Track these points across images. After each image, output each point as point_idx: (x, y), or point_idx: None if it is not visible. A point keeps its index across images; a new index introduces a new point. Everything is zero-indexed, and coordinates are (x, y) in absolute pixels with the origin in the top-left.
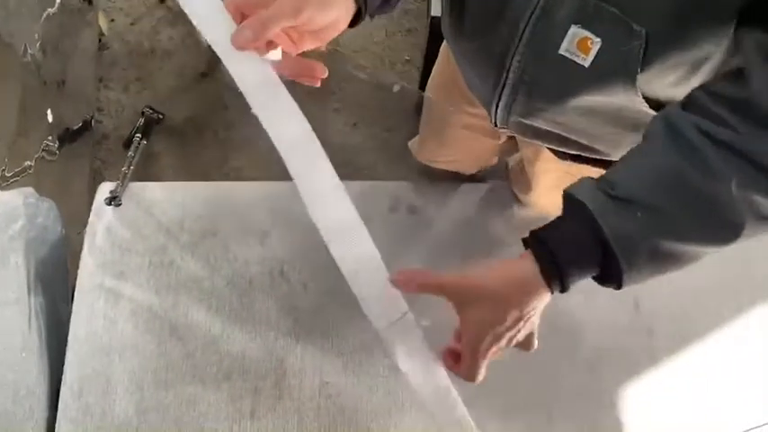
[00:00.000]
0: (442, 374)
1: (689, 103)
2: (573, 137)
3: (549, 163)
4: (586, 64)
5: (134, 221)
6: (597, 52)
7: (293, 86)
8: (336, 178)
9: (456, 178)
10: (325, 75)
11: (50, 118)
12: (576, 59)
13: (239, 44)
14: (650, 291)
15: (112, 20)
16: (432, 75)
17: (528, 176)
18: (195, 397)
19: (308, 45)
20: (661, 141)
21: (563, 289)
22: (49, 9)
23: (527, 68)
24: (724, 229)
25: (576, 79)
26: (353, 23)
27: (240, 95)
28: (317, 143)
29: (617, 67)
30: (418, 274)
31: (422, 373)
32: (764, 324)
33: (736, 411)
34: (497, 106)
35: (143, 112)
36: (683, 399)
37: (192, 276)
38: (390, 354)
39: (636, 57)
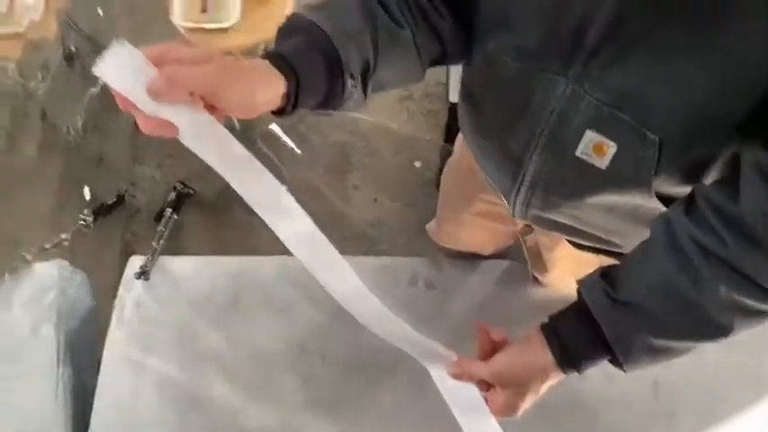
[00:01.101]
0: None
1: (690, 207)
2: (590, 230)
3: (565, 250)
4: (603, 166)
5: (162, 295)
6: (613, 156)
7: (316, 162)
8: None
9: (474, 256)
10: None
11: (87, 195)
12: (592, 162)
13: (152, 93)
14: (670, 370)
15: None
16: (448, 163)
17: (544, 260)
18: None
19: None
20: (660, 248)
21: (579, 372)
22: (92, 89)
23: (545, 167)
24: (713, 330)
25: (592, 180)
26: (281, 113)
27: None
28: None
29: (632, 171)
30: (473, 365)
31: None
32: None
33: None
34: (516, 200)
35: (175, 188)
36: None
37: (216, 350)
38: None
39: (650, 162)
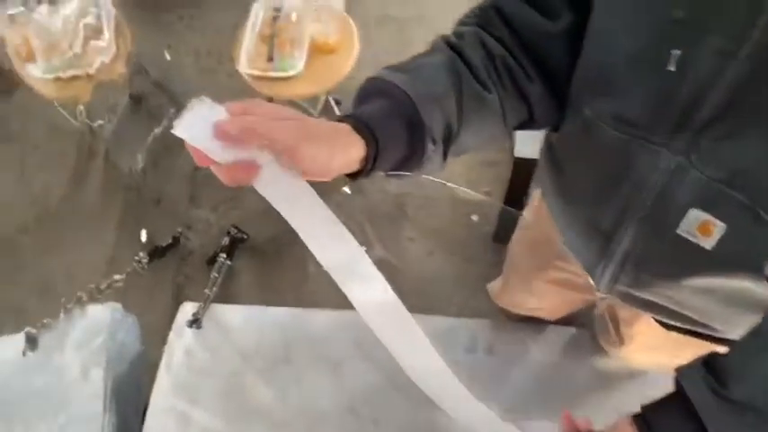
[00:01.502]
0: None
1: None
2: (685, 312)
3: (648, 327)
4: (708, 247)
5: (212, 345)
6: (721, 237)
7: (371, 211)
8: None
9: (539, 320)
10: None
11: (144, 237)
12: (696, 241)
13: (219, 135)
14: None
15: None
16: (519, 224)
17: (621, 334)
18: None
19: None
20: None
21: None
22: (156, 130)
23: (639, 244)
24: None
25: (694, 260)
26: (355, 175)
27: None
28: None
29: (742, 253)
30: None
31: None
32: None
33: None
34: (602, 275)
35: (229, 232)
36: None
37: (263, 405)
38: None
39: (764, 244)
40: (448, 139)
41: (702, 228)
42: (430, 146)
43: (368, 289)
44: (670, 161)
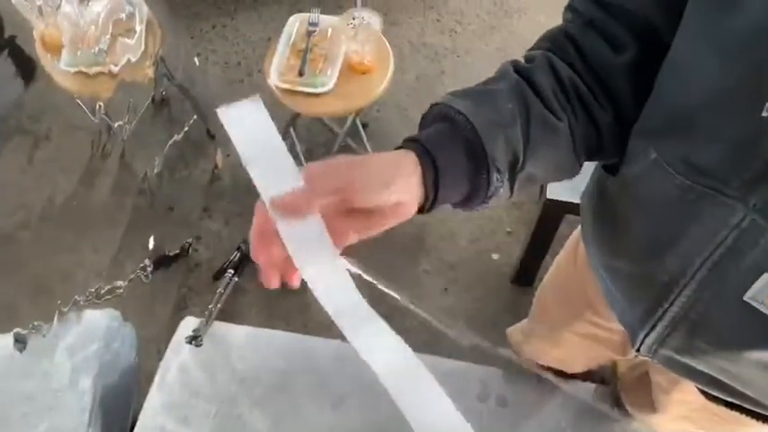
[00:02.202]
0: None
1: None
2: (737, 386)
3: (687, 396)
4: None
5: (209, 364)
6: None
7: (386, 244)
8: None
9: (557, 373)
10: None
11: (152, 244)
12: (765, 311)
13: (280, 209)
14: None
15: (228, 155)
16: (552, 271)
17: (652, 398)
18: None
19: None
20: None
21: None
22: (176, 136)
23: (696, 307)
24: None
25: (759, 331)
26: (421, 210)
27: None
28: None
29: None
30: None
31: None
32: None
33: None
34: (646, 336)
35: (239, 247)
36: None
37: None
38: None
39: None
40: (514, 169)
41: None
42: (495, 175)
43: (379, 343)
44: (744, 217)
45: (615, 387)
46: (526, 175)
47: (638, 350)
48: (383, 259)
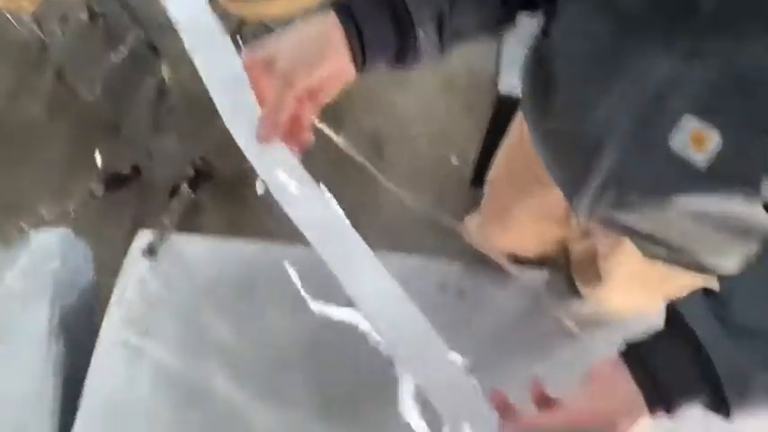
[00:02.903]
0: None
1: None
2: (670, 240)
3: (628, 259)
4: (700, 164)
5: (168, 276)
6: (715, 152)
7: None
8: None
9: (513, 261)
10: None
11: (99, 161)
12: (688, 157)
13: (262, 138)
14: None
15: (176, 70)
16: (499, 155)
17: (598, 270)
18: None
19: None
20: None
21: (670, 414)
22: (115, 52)
23: (625, 161)
24: None
25: (685, 180)
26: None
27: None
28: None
29: (738, 171)
30: (541, 419)
31: None
32: None
33: None
34: (582, 197)
35: (194, 164)
36: None
37: (221, 342)
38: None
39: (763, 159)
40: (441, 24)
41: (696, 140)
42: (421, 32)
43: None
44: (668, 63)
45: (568, 271)
46: (454, 29)
47: (577, 214)
48: (340, 165)
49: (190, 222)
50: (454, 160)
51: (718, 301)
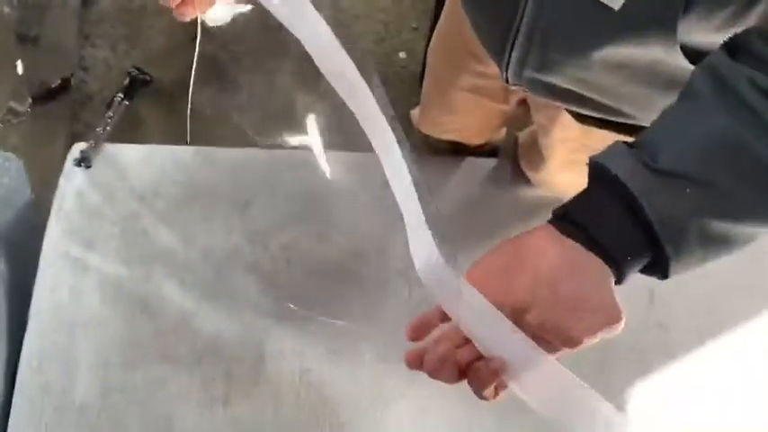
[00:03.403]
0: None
1: (739, 50)
2: (596, 96)
3: (566, 131)
4: (616, 6)
5: (106, 185)
6: None
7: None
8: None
9: (459, 151)
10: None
11: (20, 70)
12: (605, 1)
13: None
14: (668, 279)
15: None
16: (435, 32)
17: (540, 149)
18: (164, 379)
19: None
20: (709, 101)
21: (620, 278)
22: None
23: (543, 12)
24: None
25: (601, 25)
26: None
27: (235, 60)
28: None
29: (654, 11)
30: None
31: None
32: None
33: (756, 415)
34: (509, 58)
35: (129, 73)
36: (699, 401)
37: (166, 248)
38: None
39: None
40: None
41: None
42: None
43: None
44: None
45: (516, 159)
46: None
47: (507, 81)
48: (286, 66)
49: (131, 134)
50: (402, 56)
51: (642, 151)
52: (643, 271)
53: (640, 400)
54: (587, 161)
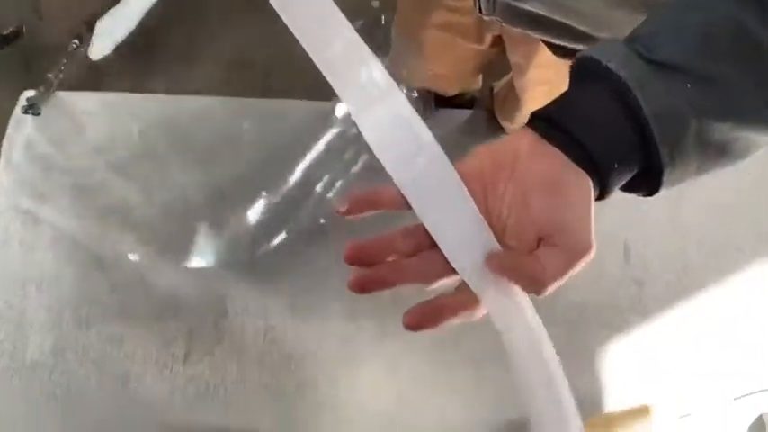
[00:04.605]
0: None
1: None
2: (574, 23)
3: (542, 71)
4: None
5: (59, 136)
6: None
7: None
8: None
9: (434, 101)
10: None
11: None
12: None
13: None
14: (643, 236)
15: None
16: None
17: (517, 93)
18: (121, 337)
19: None
20: None
21: (605, 191)
22: None
23: None
24: None
25: None
26: None
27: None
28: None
29: None
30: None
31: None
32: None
33: (730, 374)
34: None
35: (86, 22)
36: (676, 361)
37: (123, 202)
38: None
39: None
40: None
41: None
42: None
43: None
44: None
45: (491, 109)
46: None
47: (480, 10)
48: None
49: (92, 83)
50: (375, 4)
51: (636, 42)
52: (629, 187)
53: (616, 357)
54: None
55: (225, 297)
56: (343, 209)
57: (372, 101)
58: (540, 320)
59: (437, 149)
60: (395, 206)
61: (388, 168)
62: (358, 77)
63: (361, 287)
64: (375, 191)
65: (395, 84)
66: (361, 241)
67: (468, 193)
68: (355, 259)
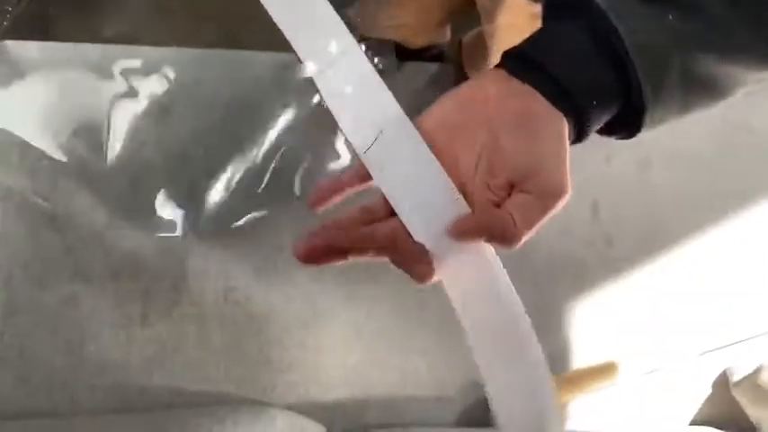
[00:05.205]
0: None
1: None
2: None
3: (512, 15)
4: None
5: (3, 86)
6: None
7: None
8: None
9: (401, 56)
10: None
11: None
12: None
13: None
14: (613, 192)
15: None
16: None
17: (486, 41)
18: (75, 298)
19: None
20: None
21: (580, 137)
22: None
23: None
24: None
25: None
26: None
27: None
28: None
29: None
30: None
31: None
32: (744, 240)
33: (697, 330)
34: None
35: None
36: (643, 319)
37: (76, 157)
38: None
39: None
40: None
41: None
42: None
43: None
44: None
45: (459, 62)
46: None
47: None
48: None
49: (40, 34)
50: None
51: None
52: (607, 129)
53: (583, 314)
54: None
55: (184, 257)
56: (312, 206)
57: (331, 61)
58: (509, 278)
59: (397, 110)
60: (357, 181)
61: (347, 133)
62: (316, 35)
63: (310, 258)
64: (336, 176)
65: (354, 42)
66: (312, 240)
67: (431, 155)
68: (310, 259)
